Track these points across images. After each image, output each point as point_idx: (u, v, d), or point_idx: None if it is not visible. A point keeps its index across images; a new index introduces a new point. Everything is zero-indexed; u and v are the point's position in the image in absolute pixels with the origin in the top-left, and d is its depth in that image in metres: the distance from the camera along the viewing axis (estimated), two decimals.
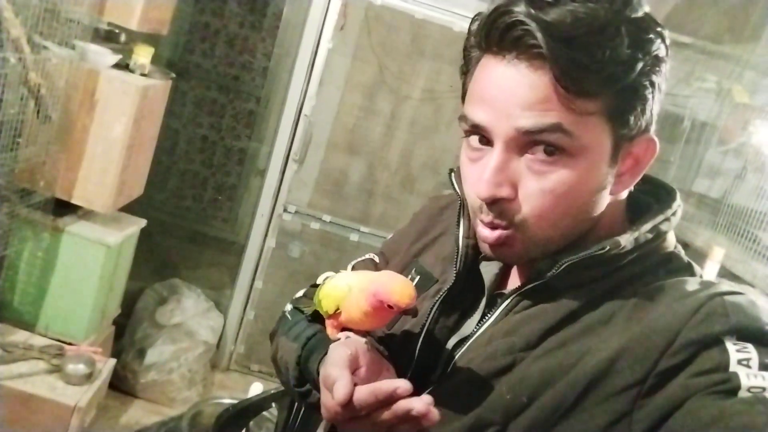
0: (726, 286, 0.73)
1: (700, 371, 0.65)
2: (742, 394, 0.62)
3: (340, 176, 3.00)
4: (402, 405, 0.63)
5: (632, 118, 0.71)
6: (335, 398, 0.65)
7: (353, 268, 1.04)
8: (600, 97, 0.69)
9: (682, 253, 0.80)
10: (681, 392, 0.65)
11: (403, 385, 0.63)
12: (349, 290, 0.77)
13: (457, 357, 0.79)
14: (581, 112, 0.68)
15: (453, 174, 0.90)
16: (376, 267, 1.02)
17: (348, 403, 0.64)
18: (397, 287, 0.73)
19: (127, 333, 2.85)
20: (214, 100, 3.54)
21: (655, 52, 0.70)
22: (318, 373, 0.77)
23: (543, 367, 0.71)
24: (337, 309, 0.78)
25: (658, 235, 0.76)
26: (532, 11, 0.66)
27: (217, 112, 3.56)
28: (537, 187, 0.71)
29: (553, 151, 0.70)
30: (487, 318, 0.79)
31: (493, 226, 0.75)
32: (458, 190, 0.87)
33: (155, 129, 2.44)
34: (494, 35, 0.70)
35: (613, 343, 0.70)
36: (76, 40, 2.05)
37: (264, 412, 1.59)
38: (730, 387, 0.63)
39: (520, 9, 0.67)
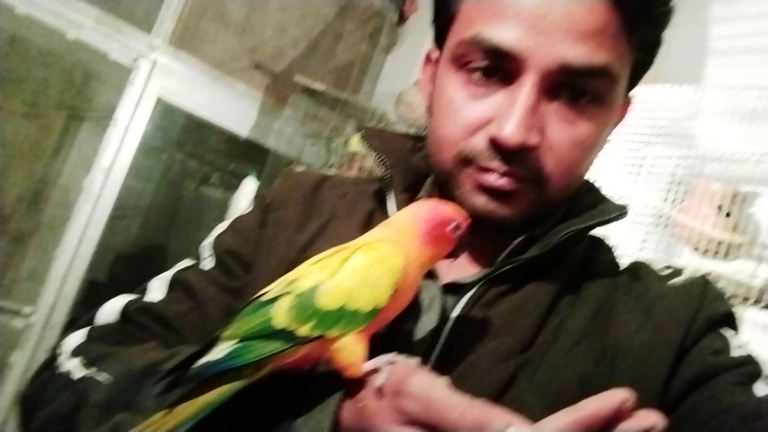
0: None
1: (714, 350, 0.62)
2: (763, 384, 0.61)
3: None
4: (633, 426, 0.42)
5: (644, 73, 0.66)
6: None
7: (173, 285, 0.72)
8: (643, 39, 0.62)
9: None
10: (700, 369, 0.61)
11: (629, 397, 0.42)
12: (401, 255, 0.52)
13: (433, 363, 0.61)
14: (627, 57, 0.61)
15: (366, 134, 0.73)
16: (210, 276, 0.73)
17: None
18: (446, 205, 0.58)
19: None
20: None
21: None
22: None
23: (562, 373, 0.60)
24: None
25: None
26: None
27: None
28: (567, 137, 0.60)
29: (586, 98, 0.60)
30: (448, 315, 0.63)
31: (508, 175, 0.61)
32: (382, 157, 0.71)
33: None
34: None
35: (632, 339, 0.63)
36: None
37: None
38: (751, 371, 0.61)
39: None
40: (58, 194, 2.31)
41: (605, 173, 1.84)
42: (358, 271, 0.52)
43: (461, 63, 0.62)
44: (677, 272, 0.70)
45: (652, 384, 0.61)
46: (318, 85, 2.48)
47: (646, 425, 0.42)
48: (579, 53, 0.57)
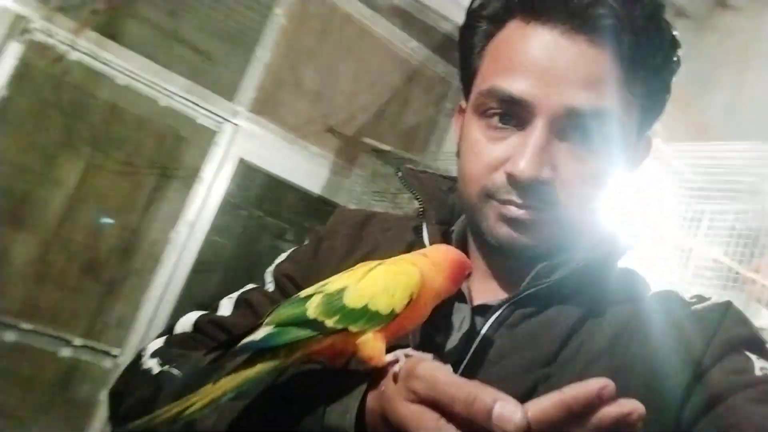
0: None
1: (735, 370, 0.64)
2: None
3: None
4: (612, 411, 0.45)
5: (656, 117, 0.73)
6: (514, 423, 0.44)
7: (239, 304, 0.83)
8: (647, 87, 0.68)
9: None
10: (719, 387, 0.63)
11: (608, 384, 0.45)
12: (419, 273, 0.61)
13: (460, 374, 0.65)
14: (630, 102, 0.67)
15: (404, 174, 0.80)
16: (270, 297, 0.84)
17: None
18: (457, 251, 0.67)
19: None
20: None
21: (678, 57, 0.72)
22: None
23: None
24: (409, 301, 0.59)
25: None
26: None
27: None
28: (578, 173, 0.66)
29: (594, 138, 0.66)
30: (477, 333, 0.69)
31: (525, 207, 0.67)
32: (417, 194, 0.79)
33: None
34: (547, 1, 0.65)
35: (647, 359, 0.66)
36: None
37: None
38: None
39: None
40: (147, 246, 2.51)
41: (664, 225, 1.85)
42: (380, 279, 0.61)
43: (482, 111, 0.71)
44: (702, 299, 0.73)
45: (666, 403, 0.64)
46: (385, 146, 2.62)
47: (626, 410, 0.45)
48: (582, 99, 0.64)
